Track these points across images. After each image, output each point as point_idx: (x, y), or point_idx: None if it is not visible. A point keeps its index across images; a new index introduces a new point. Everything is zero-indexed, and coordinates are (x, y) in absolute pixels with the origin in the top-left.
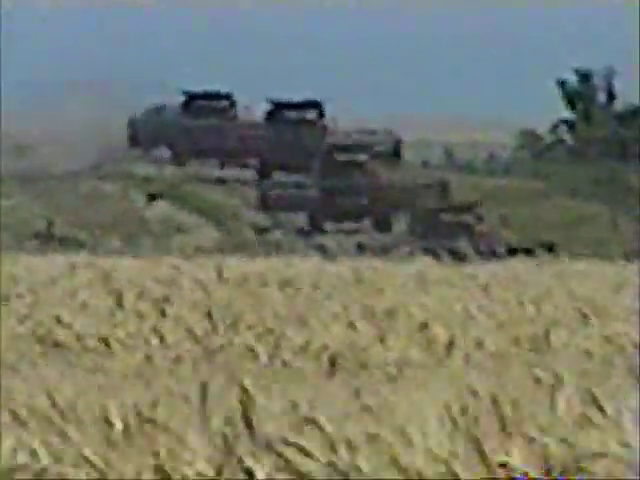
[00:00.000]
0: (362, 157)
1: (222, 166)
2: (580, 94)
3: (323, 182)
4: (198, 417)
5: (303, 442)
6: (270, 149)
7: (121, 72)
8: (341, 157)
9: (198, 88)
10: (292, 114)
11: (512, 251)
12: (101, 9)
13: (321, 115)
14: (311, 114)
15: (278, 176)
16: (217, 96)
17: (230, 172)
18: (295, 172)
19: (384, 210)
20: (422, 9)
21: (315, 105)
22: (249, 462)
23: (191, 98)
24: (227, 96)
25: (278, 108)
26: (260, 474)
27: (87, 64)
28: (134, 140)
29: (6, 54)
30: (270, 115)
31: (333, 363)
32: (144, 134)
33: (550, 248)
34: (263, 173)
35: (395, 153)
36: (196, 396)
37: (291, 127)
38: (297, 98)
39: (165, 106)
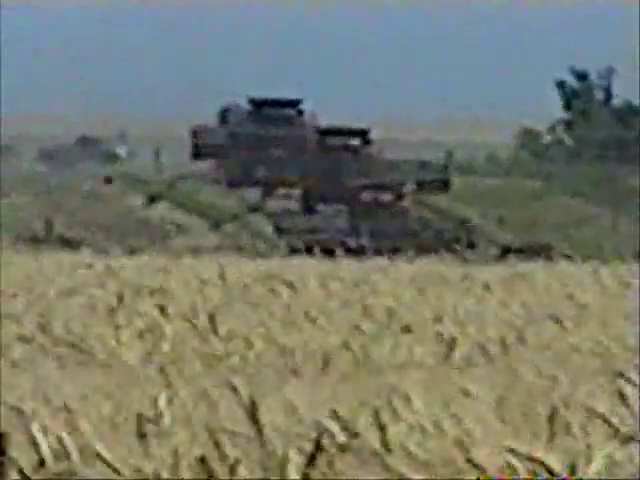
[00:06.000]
0: (387, 197)
1: (269, 189)
2: (578, 94)
3: (353, 223)
4: (199, 417)
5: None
6: (313, 179)
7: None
8: (368, 198)
9: (247, 93)
10: (337, 141)
11: (509, 251)
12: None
13: (367, 142)
14: (356, 141)
15: (321, 207)
16: (284, 104)
17: (275, 203)
18: (339, 203)
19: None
20: (421, 8)
21: (361, 133)
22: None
23: (257, 106)
24: (294, 103)
25: (323, 135)
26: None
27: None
28: (198, 152)
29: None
30: (317, 143)
31: (328, 363)
32: (210, 146)
33: (545, 250)
34: (307, 205)
35: (444, 185)
36: (197, 395)
37: (335, 156)
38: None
39: (231, 110)
